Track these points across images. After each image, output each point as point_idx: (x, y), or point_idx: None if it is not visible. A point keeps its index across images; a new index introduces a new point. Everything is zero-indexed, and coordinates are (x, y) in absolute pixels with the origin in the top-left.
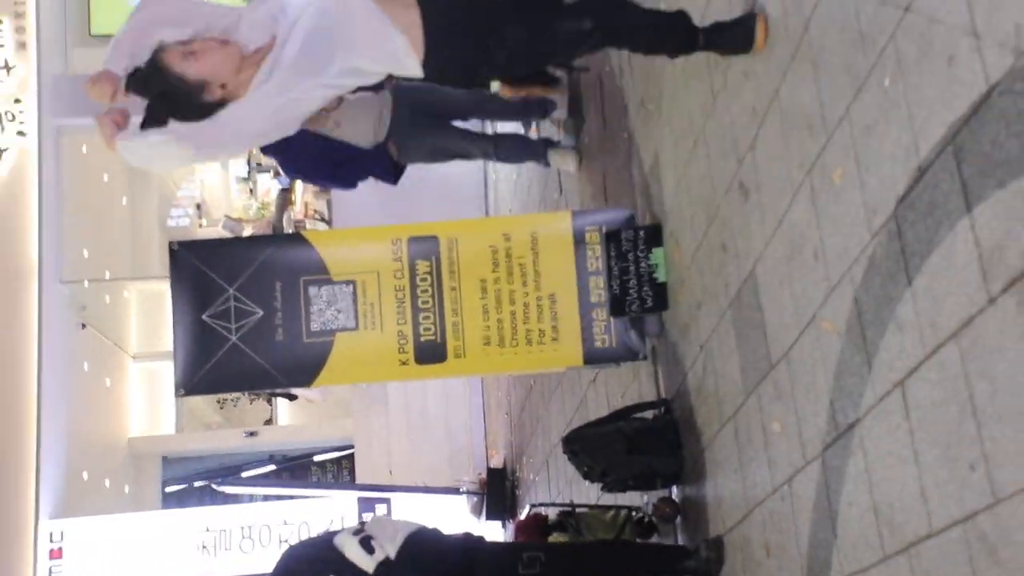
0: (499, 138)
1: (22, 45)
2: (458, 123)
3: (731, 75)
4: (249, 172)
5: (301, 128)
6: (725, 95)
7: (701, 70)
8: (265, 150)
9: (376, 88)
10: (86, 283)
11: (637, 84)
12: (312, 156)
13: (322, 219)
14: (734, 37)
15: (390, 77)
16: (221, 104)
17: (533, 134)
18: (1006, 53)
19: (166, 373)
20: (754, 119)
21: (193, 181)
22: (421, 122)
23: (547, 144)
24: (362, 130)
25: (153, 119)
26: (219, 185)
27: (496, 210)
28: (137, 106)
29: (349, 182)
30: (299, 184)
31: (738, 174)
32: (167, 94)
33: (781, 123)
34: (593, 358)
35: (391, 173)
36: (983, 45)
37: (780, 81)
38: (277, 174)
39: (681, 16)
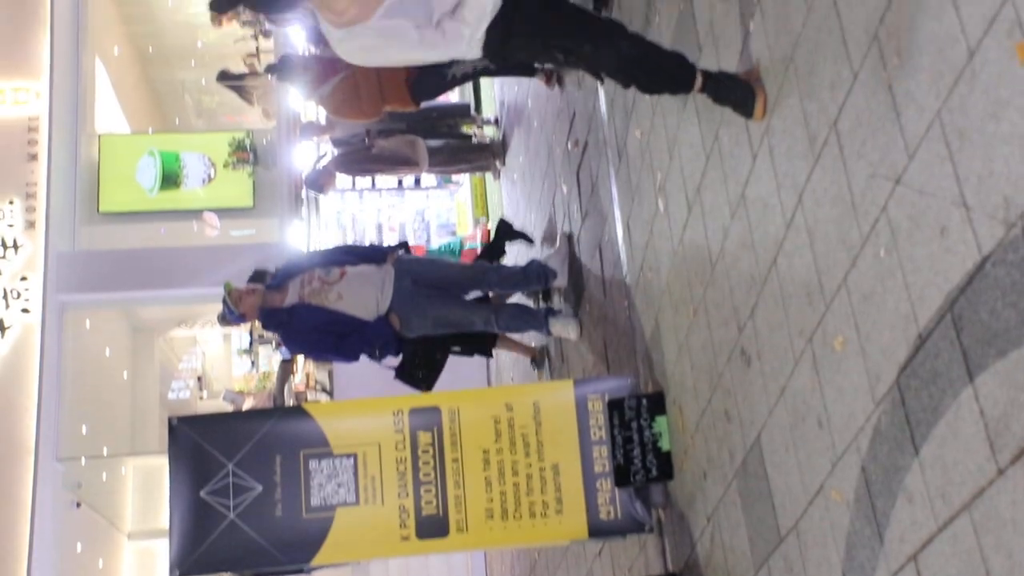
0: (500, 307)
1: (31, 224)
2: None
3: (728, 244)
4: (251, 344)
5: (303, 301)
6: (723, 264)
7: (699, 240)
8: (267, 324)
9: (378, 261)
10: (83, 460)
11: (636, 253)
12: (314, 330)
13: (324, 390)
14: (736, 91)
15: (392, 251)
16: None
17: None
18: (996, 224)
19: (162, 552)
20: (752, 287)
21: (195, 353)
22: (422, 293)
23: (548, 313)
24: (364, 302)
25: None
26: (220, 357)
27: (498, 379)
28: None
29: (351, 354)
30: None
31: (739, 341)
32: None
33: (780, 291)
34: (598, 531)
35: (393, 346)
36: (974, 217)
37: (776, 251)
38: (279, 345)
39: (677, 54)
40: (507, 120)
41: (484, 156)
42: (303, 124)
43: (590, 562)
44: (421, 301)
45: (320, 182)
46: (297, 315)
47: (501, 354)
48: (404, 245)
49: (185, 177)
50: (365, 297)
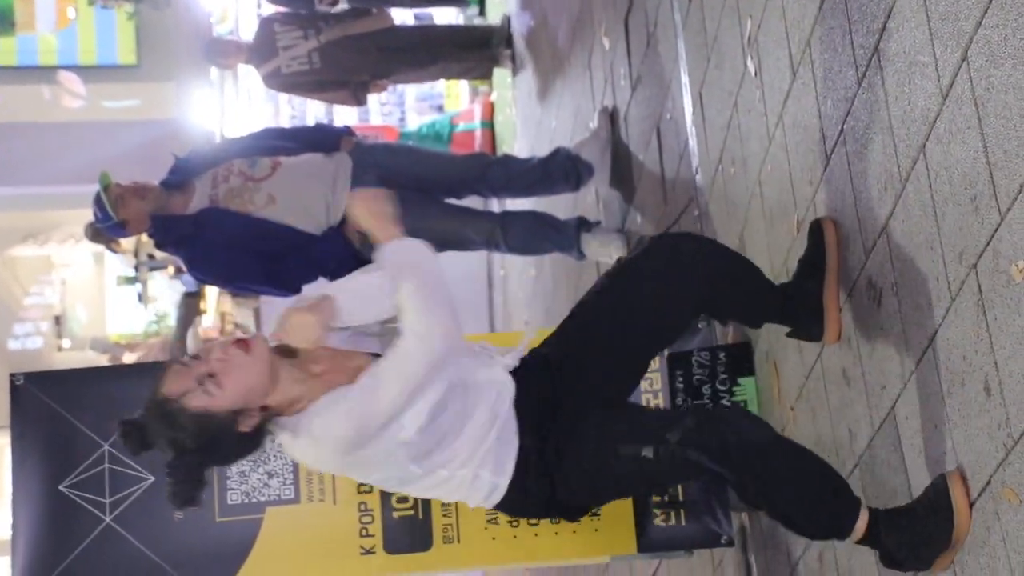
0: (509, 218)
1: None
2: (451, 200)
3: (852, 123)
4: (137, 268)
5: (216, 206)
6: (843, 152)
7: (808, 118)
8: (162, 240)
9: (327, 148)
10: None
11: (714, 138)
12: (234, 247)
13: None
14: (926, 534)
15: (348, 133)
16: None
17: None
18: None
19: (3, 573)
20: (888, 187)
21: (50, 282)
22: (394, 197)
23: (580, 226)
24: (307, 208)
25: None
26: (90, 287)
27: (505, 323)
28: None
29: (289, 284)
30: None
31: (865, 268)
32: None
33: (929, 193)
34: (652, 543)
35: (350, 270)
36: None
37: (926, 133)
38: (179, 272)
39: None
40: None
41: (483, 53)
42: None
43: None
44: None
45: (219, 50)
46: (208, 226)
47: (510, 284)
48: (348, 132)
49: (24, 16)
50: (309, 200)
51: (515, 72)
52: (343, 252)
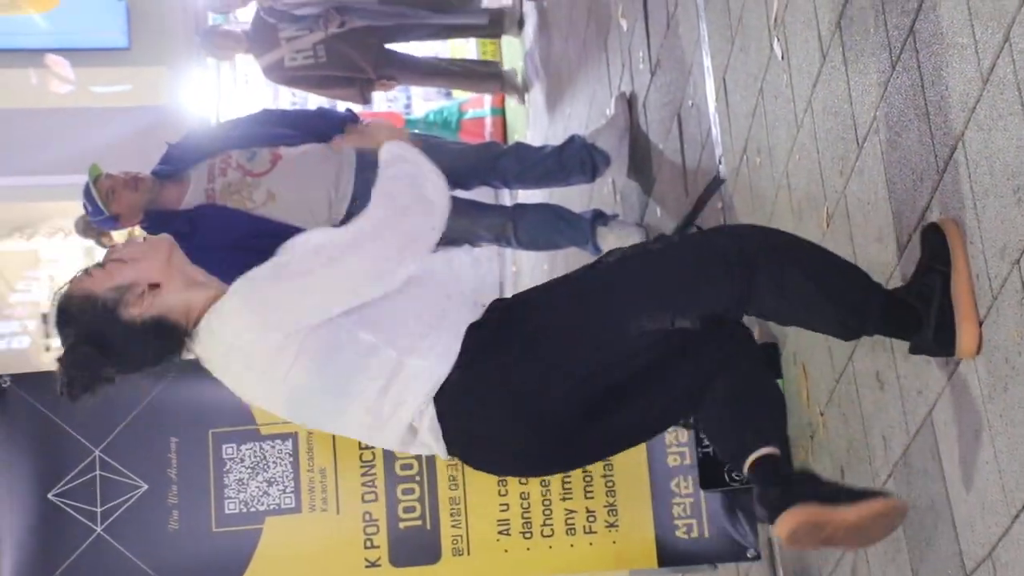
0: (521, 211)
1: None
2: (459, 192)
3: (886, 109)
4: None
5: (213, 202)
6: (877, 140)
7: (839, 103)
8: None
9: (330, 138)
10: None
11: (738, 125)
12: (231, 247)
13: None
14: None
15: (352, 120)
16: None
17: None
18: None
19: None
20: (924, 178)
21: (37, 279)
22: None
23: (596, 220)
24: (309, 205)
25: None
26: None
27: None
28: None
29: None
30: None
31: (900, 265)
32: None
33: (969, 184)
34: (673, 556)
35: None
36: None
37: (965, 120)
38: None
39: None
40: None
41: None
42: None
43: None
44: None
45: (215, 42)
46: (204, 224)
47: (523, 280)
48: (352, 117)
49: None
50: (311, 197)
51: (526, 93)
52: None
